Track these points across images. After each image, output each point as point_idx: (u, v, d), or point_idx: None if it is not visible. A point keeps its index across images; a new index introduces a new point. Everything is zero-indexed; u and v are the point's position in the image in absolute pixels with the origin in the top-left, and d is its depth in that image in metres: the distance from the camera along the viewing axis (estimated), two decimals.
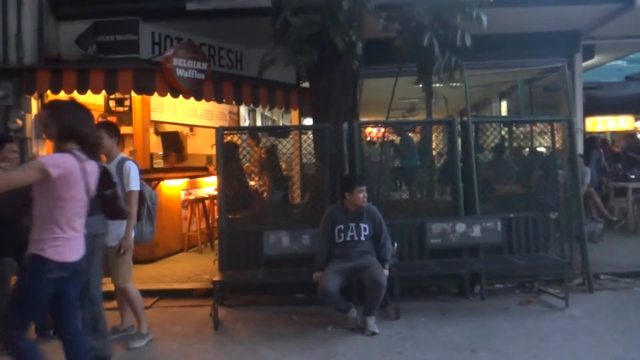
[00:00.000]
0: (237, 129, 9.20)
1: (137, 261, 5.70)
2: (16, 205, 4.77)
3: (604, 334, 4.71)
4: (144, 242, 4.99)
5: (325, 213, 5.39)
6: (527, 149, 7.66)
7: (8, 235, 4.68)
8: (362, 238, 5.20)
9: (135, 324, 4.91)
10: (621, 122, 13.48)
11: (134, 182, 4.68)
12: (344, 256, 5.14)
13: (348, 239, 5.20)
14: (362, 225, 5.21)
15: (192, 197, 8.80)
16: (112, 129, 4.90)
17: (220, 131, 6.14)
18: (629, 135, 12.39)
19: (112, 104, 8.66)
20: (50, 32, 7.24)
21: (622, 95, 12.08)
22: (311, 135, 6.68)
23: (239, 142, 6.69)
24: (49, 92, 6.95)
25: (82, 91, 6.87)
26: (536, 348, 4.43)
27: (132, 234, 4.68)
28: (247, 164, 6.98)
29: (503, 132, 7.15)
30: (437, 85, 6.80)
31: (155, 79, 6.99)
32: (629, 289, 6.14)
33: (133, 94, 7.68)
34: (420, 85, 6.51)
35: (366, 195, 5.25)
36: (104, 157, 5.17)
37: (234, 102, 8.42)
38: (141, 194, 4.76)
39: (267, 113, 13.25)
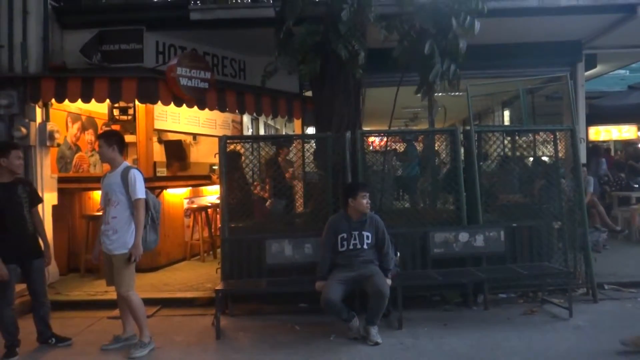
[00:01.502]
0: (240, 137, 9.22)
1: (139, 269, 5.70)
2: (21, 213, 4.82)
3: (608, 344, 4.67)
4: (148, 250, 5.00)
5: (328, 222, 5.38)
6: (530, 158, 7.66)
7: (13, 242, 4.70)
8: (365, 246, 5.18)
9: (137, 333, 4.89)
10: (624, 131, 13.47)
11: (140, 190, 4.72)
12: (347, 265, 5.13)
13: (351, 247, 5.18)
14: (365, 234, 5.20)
15: (194, 206, 8.81)
16: (111, 138, 4.91)
17: (223, 140, 6.15)
18: (629, 144, 12.37)
19: (116, 112, 8.70)
20: (55, 41, 7.28)
21: (625, 105, 12.04)
22: (314, 144, 6.69)
23: (241, 150, 6.70)
24: (53, 100, 6.99)
25: (87, 100, 6.90)
26: (540, 358, 4.41)
27: (130, 242, 4.70)
28: (250, 173, 6.98)
29: (506, 142, 7.15)
30: (439, 94, 6.81)
31: (159, 87, 7.02)
32: (633, 298, 6.11)
33: (137, 102, 7.71)
34: (419, 95, 6.51)
35: (369, 202, 5.25)
36: (106, 166, 5.20)
37: (237, 111, 8.43)
38: (145, 202, 4.78)
39: (270, 122, 13.27)
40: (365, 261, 5.14)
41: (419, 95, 6.55)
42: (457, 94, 6.70)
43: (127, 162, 5.00)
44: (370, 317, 4.96)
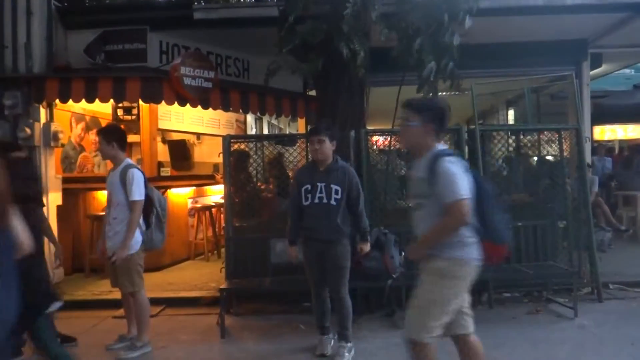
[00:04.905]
0: (244, 137, 9.24)
1: (143, 269, 5.70)
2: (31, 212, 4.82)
3: (613, 344, 4.66)
4: (155, 249, 4.98)
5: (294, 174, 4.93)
6: (535, 158, 7.63)
7: None
8: (333, 202, 4.37)
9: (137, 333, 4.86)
10: (630, 131, 13.42)
11: (136, 192, 4.58)
12: (312, 228, 4.43)
13: (316, 201, 4.39)
14: (334, 187, 4.37)
15: (198, 205, 8.82)
16: (110, 135, 4.77)
17: (227, 139, 6.15)
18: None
19: (120, 112, 8.73)
20: (59, 42, 7.28)
21: (630, 104, 12.01)
22: None
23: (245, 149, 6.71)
24: (57, 100, 7.00)
25: (90, 100, 6.91)
26: (545, 358, 4.40)
27: (131, 244, 4.59)
28: (254, 172, 6.97)
29: (510, 141, 7.12)
30: (443, 93, 6.76)
31: (162, 87, 7.02)
32: (638, 298, 6.09)
33: (141, 102, 7.72)
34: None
35: (319, 148, 4.41)
36: (109, 163, 5.17)
37: (240, 111, 8.44)
38: (150, 200, 4.73)
39: (273, 121, 13.28)
40: (332, 226, 4.38)
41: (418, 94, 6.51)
42: (459, 93, 6.66)
43: (130, 160, 4.91)
44: (341, 329, 4.57)
